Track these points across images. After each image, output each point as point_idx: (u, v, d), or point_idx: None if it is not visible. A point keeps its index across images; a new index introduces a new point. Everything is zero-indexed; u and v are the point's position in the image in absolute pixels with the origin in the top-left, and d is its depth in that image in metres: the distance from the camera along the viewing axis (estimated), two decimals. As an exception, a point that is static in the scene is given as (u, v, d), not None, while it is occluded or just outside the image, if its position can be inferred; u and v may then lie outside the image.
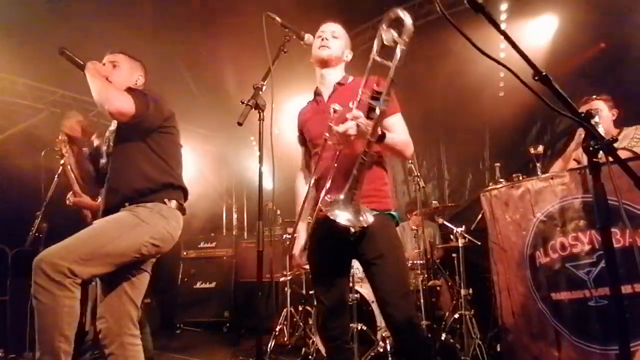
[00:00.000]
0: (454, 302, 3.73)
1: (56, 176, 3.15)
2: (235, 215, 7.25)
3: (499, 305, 2.89)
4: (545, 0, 4.02)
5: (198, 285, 5.39)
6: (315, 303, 1.91)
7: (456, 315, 3.52)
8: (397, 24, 1.35)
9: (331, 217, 1.48)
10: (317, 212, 1.66)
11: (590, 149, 0.98)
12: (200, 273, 5.49)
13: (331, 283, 1.76)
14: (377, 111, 1.43)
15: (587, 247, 2.42)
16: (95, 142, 2.24)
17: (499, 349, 3.23)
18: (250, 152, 6.20)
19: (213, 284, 5.42)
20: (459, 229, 3.61)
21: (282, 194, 4.35)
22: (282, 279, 3.70)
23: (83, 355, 3.09)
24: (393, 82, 1.40)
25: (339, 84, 1.88)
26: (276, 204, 3.98)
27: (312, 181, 1.82)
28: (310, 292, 3.68)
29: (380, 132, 1.55)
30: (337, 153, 1.62)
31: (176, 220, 1.94)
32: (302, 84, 5.12)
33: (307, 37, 1.75)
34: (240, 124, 1.42)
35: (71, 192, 2.87)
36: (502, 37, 0.98)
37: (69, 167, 2.71)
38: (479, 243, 3.58)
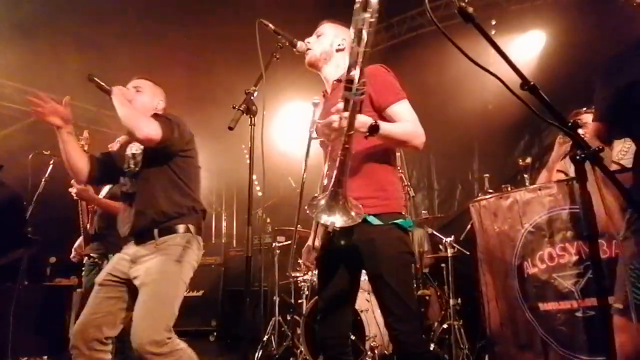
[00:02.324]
0: (443, 312, 3.73)
1: (43, 180, 3.10)
2: (224, 223, 7.19)
3: (487, 316, 2.90)
4: (533, 16, 4.13)
5: (185, 293, 5.28)
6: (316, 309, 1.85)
7: (445, 326, 3.52)
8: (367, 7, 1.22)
9: (311, 216, 1.44)
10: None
11: (577, 158, 1.00)
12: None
13: (333, 291, 1.68)
14: (351, 102, 1.33)
15: (574, 258, 2.45)
16: (114, 147, 2.36)
17: (487, 360, 3.24)
18: (240, 159, 6.18)
19: (200, 292, 5.34)
20: (448, 239, 3.63)
21: (273, 202, 4.33)
22: (299, 278, 3.63)
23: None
24: (361, 70, 1.28)
25: (337, 80, 1.77)
26: (266, 212, 3.96)
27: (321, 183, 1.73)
28: (300, 301, 3.65)
29: (373, 123, 1.47)
30: (329, 149, 1.58)
31: (199, 247, 2.07)
32: (294, 92, 5.17)
33: (300, 44, 1.75)
34: (231, 129, 1.41)
35: (73, 182, 2.80)
36: (491, 51, 1.00)
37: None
38: (468, 253, 3.60)
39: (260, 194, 3.90)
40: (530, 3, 4.15)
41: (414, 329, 1.58)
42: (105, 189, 3.15)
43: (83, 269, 3.04)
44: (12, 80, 4.82)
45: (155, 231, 1.95)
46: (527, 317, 2.61)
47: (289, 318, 3.84)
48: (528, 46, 4.18)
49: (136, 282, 1.90)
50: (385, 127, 1.52)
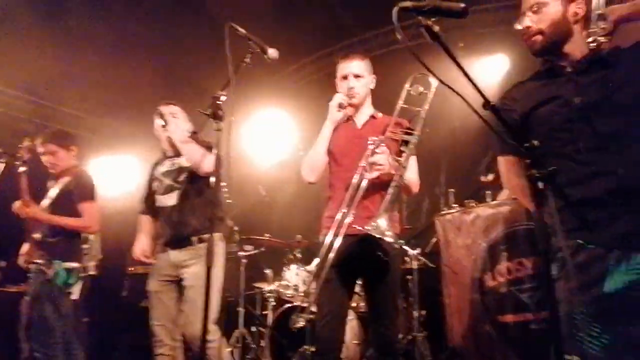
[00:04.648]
0: (408, 324, 3.77)
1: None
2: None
3: (451, 328, 2.96)
4: (498, 40, 4.34)
5: (144, 303, 5.03)
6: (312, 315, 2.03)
7: (409, 337, 3.55)
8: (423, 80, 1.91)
9: (374, 234, 1.68)
10: (348, 228, 1.83)
11: (533, 177, 1.04)
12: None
13: (334, 297, 1.90)
14: (411, 145, 1.84)
15: (529, 272, 2.55)
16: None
17: (449, 371, 3.29)
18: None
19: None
20: (414, 252, 3.69)
21: (241, 210, 4.25)
22: (266, 289, 3.57)
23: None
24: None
25: (372, 116, 2.09)
26: (234, 220, 3.89)
27: (330, 199, 2.02)
28: (265, 312, 3.58)
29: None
30: (361, 178, 1.82)
31: (222, 254, 2.40)
32: (265, 99, 5.15)
33: (272, 51, 1.75)
34: (195, 133, 1.39)
35: (20, 201, 2.67)
36: (457, 72, 1.04)
37: (23, 175, 2.69)
38: (433, 266, 3.68)
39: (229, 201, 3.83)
40: (496, 27, 4.36)
41: (396, 332, 2.01)
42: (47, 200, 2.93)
43: (29, 275, 2.86)
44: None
45: (195, 239, 2.31)
46: (488, 329, 2.69)
47: (253, 329, 3.75)
48: (493, 69, 4.38)
49: (185, 283, 2.29)
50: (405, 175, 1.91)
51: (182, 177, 2.41)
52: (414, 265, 3.61)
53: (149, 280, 2.44)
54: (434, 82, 1.88)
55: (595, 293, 1.20)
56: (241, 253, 3.81)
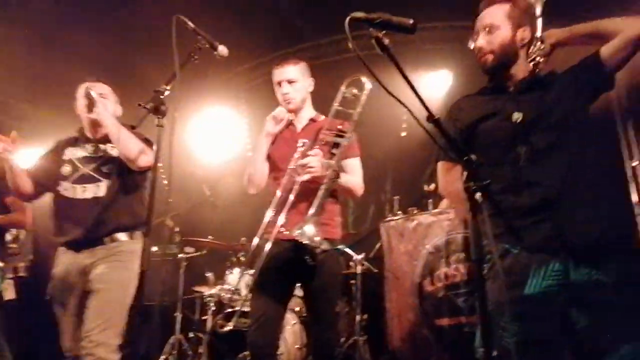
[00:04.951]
0: (349, 328, 3.82)
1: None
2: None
3: (391, 332, 3.05)
4: (441, 56, 4.59)
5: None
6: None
7: (350, 341, 3.60)
8: (356, 83, 1.95)
9: (297, 238, 1.67)
10: (277, 232, 1.83)
11: (470, 189, 1.10)
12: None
13: (265, 302, 1.88)
14: (341, 147, 1.81)
15: (465, 278, 2.70)
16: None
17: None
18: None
19: (91, 308, 4.75)
20: (359, 257, 3.75)
21: (184, 210, 4.06)
22: (206, 293, 3.39)
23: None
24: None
25: (312, 120, 2.07)
26: (175, 220, 3.71)
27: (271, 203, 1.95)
28: (204, 317, 3.45)
29: (339, 171, 1.80)
30: (294, 182, 1.81)
31: (138, 255, 2.12)
32: (213, 96, 5.00)
33: (221, 48, 1.68)
34: (133, 128, 1.30)
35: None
36: (405, 84, 1.07)
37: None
38: (376, 271, 3.77)
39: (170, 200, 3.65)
40: (441, 45, 4.61)
41: (335, 334, 2.15)
42: None
43: None
44: None
45: (107, 239, 2.01)
46: (425, 333, 2.80)
47: (191, 336, 3.60)
48: (438, 83, 4.61)
49: (91, 287, 1.96)
50: (343, 177, 1.90)
51: (106, 168, 2.08)
52: (358, 269, 3.67)
53: (49, 286, 2.11)
54: (368, 84, 1.93)
55: (518, 294, 1.31)
56: (181, 255, 3.64)
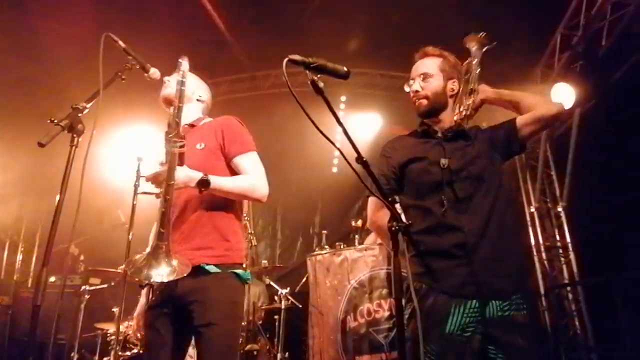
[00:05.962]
0: (271, 366, 3.66)
1: None
2: (20, 257, 5.78)
3: (312, 369, 2.98)
4: (372, 100, 4.92)
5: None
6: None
7: (271, 380, 3.44)
8: None
9: (131, 275, 1.37)
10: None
11: (392, 229, 1.17)
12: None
13: (154, 345, 1.55)
14: (169, 155, 1.42)
15: (386, 314, 2.77)
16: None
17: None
18: (56, 183, 5.15)
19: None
20: (284, 291, 3.68)
21: (90, 237, 3.69)
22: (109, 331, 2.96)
23: None
24: (178, 124, 1.47)
25: (190, 125, 1.75)
26: (81, 249, 3.33)
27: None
28: (105, 358, 3.07)
29: (203, 177, 1.48)
30: (166, 200, 1.43)
31: None
32: (134, 116, 4.73)
33: (153, 70, 1.62)
34: (42, 145, 1.17)
35: None
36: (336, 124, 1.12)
37: None
38: (300, 306, 3.71)
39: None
40: (372, 90, 4.98)
41: None
42: None
43: None
44: None
45: None
46: (345, 370, 2.78)
47: (90, 380, 3.18)
48: (368, 125, 4.91)
49: None
50: (217, 182, 1.53)
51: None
52: (282, 304, 3.59)
53: None
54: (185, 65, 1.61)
55: (439, 332, 1.38)
56: (85, 287, 3.25)
